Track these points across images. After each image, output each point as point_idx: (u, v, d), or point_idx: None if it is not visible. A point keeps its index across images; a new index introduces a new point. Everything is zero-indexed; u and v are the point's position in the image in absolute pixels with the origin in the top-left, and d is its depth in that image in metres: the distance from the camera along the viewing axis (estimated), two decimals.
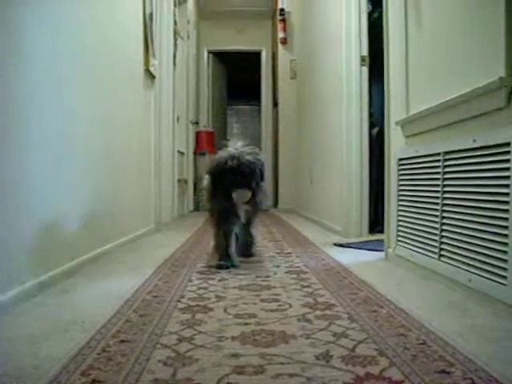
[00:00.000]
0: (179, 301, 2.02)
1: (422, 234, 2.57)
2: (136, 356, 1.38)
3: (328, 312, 1.84)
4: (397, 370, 1.26)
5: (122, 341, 1.52)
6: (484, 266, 1.96)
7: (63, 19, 2.59)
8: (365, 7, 4.42)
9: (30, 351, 1.45)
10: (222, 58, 10.12)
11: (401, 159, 2.89)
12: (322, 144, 5.64)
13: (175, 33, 6.18)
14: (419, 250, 2.60)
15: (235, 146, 2.75)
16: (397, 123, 2.95)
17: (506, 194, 1.81)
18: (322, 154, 5.59)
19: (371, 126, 4.50)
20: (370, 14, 4.46)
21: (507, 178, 1.81)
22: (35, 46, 2.24)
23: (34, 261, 2.21)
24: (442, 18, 2.42)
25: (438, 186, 2.39)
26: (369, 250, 3.50)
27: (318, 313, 1.83)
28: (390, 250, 3.06)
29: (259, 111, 10.29)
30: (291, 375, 1.24)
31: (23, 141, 2.10)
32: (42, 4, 2.32)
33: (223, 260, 2.81)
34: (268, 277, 2.53)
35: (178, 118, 6.40)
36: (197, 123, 8.72)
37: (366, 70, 4.41)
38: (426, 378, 1.21)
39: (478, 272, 2.00)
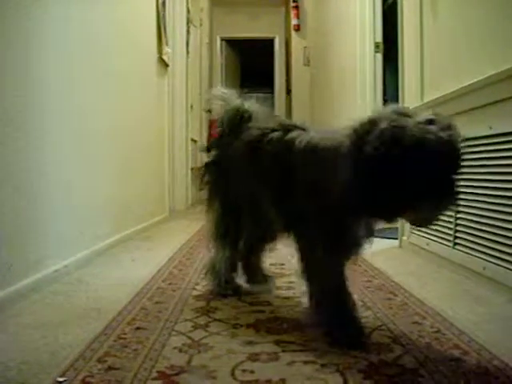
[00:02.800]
0: (194, 288, 2.03)
1: (437, 222, 2.55)
2: (151, 343, 1.39)
3: None
4: (411, 357, 1.26)
5: (138, 328, 1.53)
6: (499, 254, 1.94)
7: (75, 7, 2.59)
8: None
9: (46, 339, 1.47)
10: (234, 45, 10.07)
11: None
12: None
13: (188, 20, 6.16)
14: (434, 238, 2.59)
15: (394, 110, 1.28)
16: None
17: None
18: None
19: None
20: (384, 0, 4.43)
21: None
22: (48, 33, 2.25)
23: (51, 250, 2.22)
24: (457, 4, 2.39)
25: None
26: (383, 237, 3.49)
27: None
28: (405, 238, 3.05)
29: (272, 98, 10.25)
30: (305, 362, 1.25)
31: (39, 131, 2.12)
32: None
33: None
34: (283, 264, 2.53)
35: (191, 106, 6.40)
36: (210, 111, 8.70)
37: (380, 56, 4.38)
38: (440, 365, 1.21)
39: (492, 260, 1.99)
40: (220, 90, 1.97)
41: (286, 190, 1.54)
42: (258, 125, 1.75)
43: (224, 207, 1.88)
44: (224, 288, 1.92)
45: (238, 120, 1.85)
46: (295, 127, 1.63)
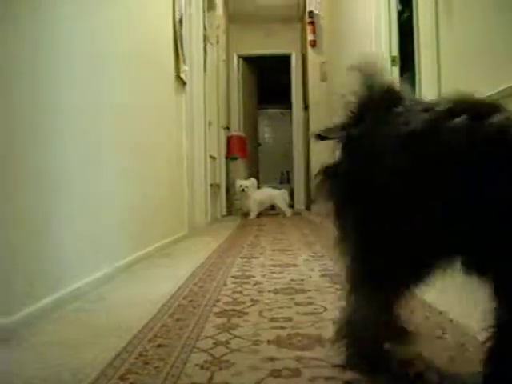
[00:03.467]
0: (215, 305, 2.03)
1: None
2: (173, 360, 1.39)
3: None
4: (433, 372, 1.25)
5: (159, 345, 1.53)
6: None
7: (97, 24, 2.63)
8: (395, 7, 4.38)
9: (67, 357, 1.47)
10: (251, 62, 10.14)
11: None
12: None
13: (205, 38, 6.22)
14: None
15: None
16: None
17: None
18: None
19: None
20: (400, 14, 4.43)
21: None
22: (71, 49, 2.28)
23: (72, 268, 2.24)
24: (473, 16, 2.39)
25: None
26: None
27: None
28: None
29: (290, 114, 10.28)
30: (327, 378, 1.23)
31: (60, 149, 2.14)
32: (77, 11, 2.36)
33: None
34: (302, 280, 2.52)
35: (209, 123, 6.43)
36: (228, 128, 8.75)
37: (396, 70, 4.37)
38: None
39: None
40: (362, 60, 1.29)
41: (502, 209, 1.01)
42: (422, 105, 1.18)
43: (375, 233, 1.17)
44: (368, 363, 1.25)
45: (386, 103, 1.22)
46: (490, 107, 1.08)
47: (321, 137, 1.38)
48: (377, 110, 1.21)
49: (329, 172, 1.30)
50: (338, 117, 1.28)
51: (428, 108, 1.13)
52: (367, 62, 1.28)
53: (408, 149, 1.10)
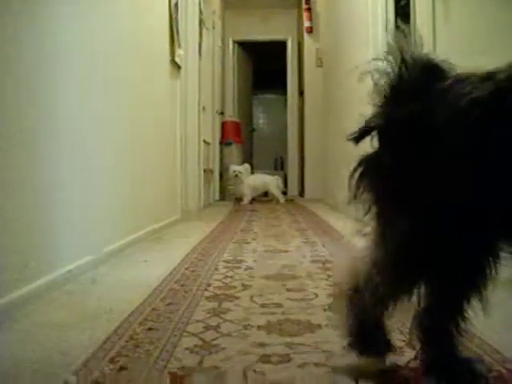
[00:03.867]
0: (206, 289, 2.04)
1: None
2: (163, 344, 1.39)
3: None
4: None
5: (150, 328, 1.53)
6: None
7: (91, 7, 2.61)
8: None
9: (59, 339, 1.48)
10: (247, 47, 10.09)
11: None
12: (347, 131, 5.59)
13: (200, 23, 6.18)
14: None
15: None
16: None
17: None
18: (350, 142, 5.55)
19: None
20: (397, 2, 4.41)
21: None
22: (64, 39, 2.27)
23: (65, 250, 2.24)
24: (470, 7, 2.38)
25: None
26: None
27: None
28: None
29: (285, 100, 10.25)
30: (317, 364, 1.24)
31: (53, 134, 2.14)
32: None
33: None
34: (294, 266, 2.53)
35: (203, 108, 6.41)
36: (222, 113, 8.73)
37: None
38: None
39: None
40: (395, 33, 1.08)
41: None
42: (475, 76, 1.01)
43: (420, 228, 1.00)
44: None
45: (425, 79, 1.04)
46: None
47: (358, 138, 1.19)
48: (422, 86, 1.03)
49: (372, 163, 1.10)
50: (368, 106, 1.12)
51: (487, 77, 0.97)
52: (395, 35, 1.09)
53: (481, 122, 0.91)
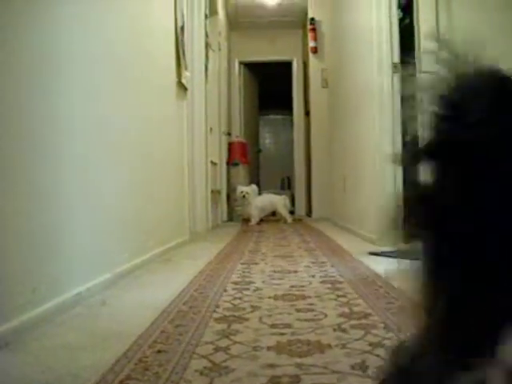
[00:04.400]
0: (215, 311, 2.03)
1: None
2: (173, 366, 1.39)
3: (363, 321, 1.83)
4: None
5: (159, 351, 1.53)
6: None
7: (100, 31, 2.64)
8: (395, 14, 4.40)
9: (69, 361, 1.48)
10: (253, 68, 10.17)
11: None
12: (354, 152, 5.61)
13: (207, 45, 6.23)
14: None
15: None
16: None
17: None
18: (355, 162, 5.56)
19: (404, 134, 4.46)
20: (400, 21, 4.44)
21: None
22: (72, 56, 2.29)
23: (74, 273, 2.24)
24: (474, 23, 2.40)
25: None
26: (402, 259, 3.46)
27: (354, 322, 1.82)
28: None
29: (291, 121, 10.29)
30: None
31: (57, 148, 2.15)
32: (79, 14, 2.37)
33: None
34: (303, 286, 2.53)
35: (210, 129, 6.44)
36: (229, 134, 8.76)
37: (398, 77, 4.38)
38: None
39: None
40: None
41: None
42: None
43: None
44: None
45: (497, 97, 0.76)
46: None
47: (413, 159, 0.80)
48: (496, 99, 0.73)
49: (429, 196, 0.76)
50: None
51: None
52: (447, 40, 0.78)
53: None
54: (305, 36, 9.16)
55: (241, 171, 8.49)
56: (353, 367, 1.35)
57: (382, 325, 1.77)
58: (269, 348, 1.54)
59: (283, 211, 7.57)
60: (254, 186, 7.67)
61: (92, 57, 2.55)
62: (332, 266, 3.16)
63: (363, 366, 1.36)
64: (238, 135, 9.23)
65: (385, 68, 4.38)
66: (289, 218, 7.54)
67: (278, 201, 7.63)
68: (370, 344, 1.56)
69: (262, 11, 9.07)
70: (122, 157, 2.98)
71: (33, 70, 1.93)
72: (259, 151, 11.42)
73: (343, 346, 1.54)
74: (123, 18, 3.09)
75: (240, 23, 9.40)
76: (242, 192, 7.40)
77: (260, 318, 1.90)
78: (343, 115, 6.47)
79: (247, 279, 2.76)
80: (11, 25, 1.79)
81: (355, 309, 2.02)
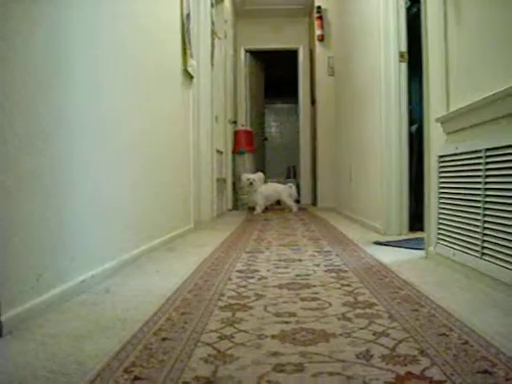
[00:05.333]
0: (219, 299, 2.04)
1: (464, 232, 2.53)
2: (177, 353, 1.39)
3: (368, 311, 1.83)
4: (438, 369, 1.25)
5: (164, 339, 1.53)
6: None
7: (105, 19, 2.63)
8: (403, 2, 4.37)
9: (73, 348, 1.48)
10: (259, 56, 10.14)
11: (441, 156, 2.86)
12: (360, 141, 5.60)
13: (212, 33, 6.21)
14: (461, 249, 2.56)
15: None
16: (437, 120, 2.91)
17: None
18: (361, 151, 5.55)
19: (410, 122, 4.45)
20: (408, 10, 4.41)
21: None
22: (75, 43, 2.28)
23: (78, 260, 2.25)
24: (483, 11, 2.37)
25: (479, 183, 2.35)
26: (409, 248, 3.46)
27: (358, 311, 1.82)
28: (431, 249, 3.02)
29: (297, 109, 10.27)
30: (331, 374, 1.24)
31: (67, 142, 2.15)
32: (83, 4, 2.36)
33: None
34: (308, 275, 2.53)
35: (216, 118, 6.43)
36: (235, 122, 8.75)
37: (404, 66, 4.36)
38: (467, 378, 1.19)
39: None
40: None
41: None
42: None
43: None
44: None
45: None
46: None
47: None
48: None
49: None
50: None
51: None
52: None
53: None
54: (311, 24, 9.12)
55: (246, 160, 8.48)
56: (357, 356, 1.35)
57: (387, 314, 1.77)
58: (273, 336, 1.54)
59: (288, 200, 7.55)
60: (260, 174, 7.65)
61: (97, 45, 2.54)
62: (337, 255, 3.16)
63: (367, 355, 1.36)
64: (243, 124, 9.21)
65: (392, 57, 4.35)
66: (294, 207, 7.53)
67: (282, 190, 7.62)
68: (375, 333, 1.56)
69: None
70: (127, 146, 2.98)
71: (38, 62, 1.93)
72: (265, 140, 11.40)
73: (348, 335, 1.54)
74: (129, 7, 3.07)
75: (246, 11, 9.36)
76: (248, 179, 7.39)
77: (265, 307, 1.90)
78: (349, 104, 6.45)
79: (252, 268, 2.76)
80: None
81: (360, 298, 2.02)
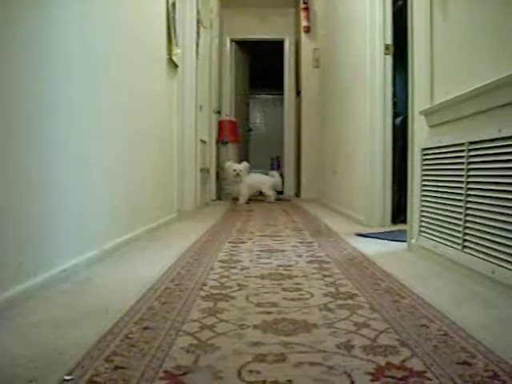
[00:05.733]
0: (201, 289, 2.04)
1: (446, 225, 2.55)
2: (158, 343, 1.39)
3: (349, 302, 1.84)
4: (418, 360, 1.26)
5: (145, 328, 1.53)
6: (508, 258, 1.93)
7: (89, 6, 2.60)
8: None
9: (54, 337, 1.48)
10: (244, 46, 10.10)
11: (424, 149, 2.87)
12: (345, 133, 5.61)
13: (198, 22, 6.17)
14: (442, 241, 2.58)
15: None
16: (421, 112, 2.92)
17: None
18: (346, 143, 5.56)
19: (395, 115, 4.46)
20: (394, 2, 4.42)
21: None
22: (59, 32, 2.26)
23: (60, 249, 2.23)
24: (468, 5, 2.38)
25: (462, 176, 2.36)
26: (391, 240, 3.48)
27: (340, 302, 1.83)
28: (413, 241, 3.04)
29: (282, 100, 10.26)
30: (312, 364, 1.24)
31: (50, 132, 2.13)
32: None
33: None
34: (290, 266, 2.53)
35: (200, 107, 6.40)
36: (219, 112, 8.72)
37: (390, 58, 4.36)
38: (447, 368, 1.20)
39: (502, 264, 1.98)
40: None
41: None
42: None
43: None
44: None
45: None
46: None
47: None
48: None
49: None
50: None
51: None
52: None
53: None
54: (297, 15, 9.10)
55: (230, 150, 8.46)
56: (338, 346, 1.36)
57: (368, 305, 1.78)
58: (255, 326, 1.55)
59: (267, 191, 7.55)
60: (246, 164, 7.60)
61: (81, 35, 2.52)
62: (319, 247, 3.17)
63: (348, 346, 1.36)
64: (228, 114, 9.18)
65: (377, 49, 4.36)
66: (271, 198, 7.53)
67: (265, 180, 7.62)
68: (356, 324, 1.56)
69: None
70: (109, 132, 2.96)
71: (28, 46, 1.90)
72: (249, 130, 11.38)
73: (329, 326, 1.55)
74: None
75: (232, 0, 9.30)
76: (235, 170, 7.34)
77: (247, 297, 1.91)
78: (335, 96, 6.45)
79: (234, 258, 2.76)
80: None
81: (341, 289, 2.03)
